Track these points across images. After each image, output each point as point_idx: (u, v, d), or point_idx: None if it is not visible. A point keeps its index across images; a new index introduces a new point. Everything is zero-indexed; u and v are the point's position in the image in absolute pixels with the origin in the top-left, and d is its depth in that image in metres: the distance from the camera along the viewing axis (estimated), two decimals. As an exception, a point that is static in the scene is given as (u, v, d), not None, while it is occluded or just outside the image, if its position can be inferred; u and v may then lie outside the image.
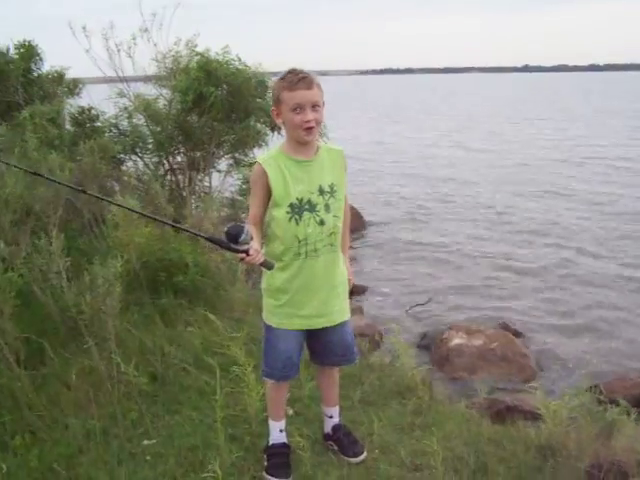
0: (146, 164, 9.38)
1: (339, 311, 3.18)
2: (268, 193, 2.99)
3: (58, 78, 9.70)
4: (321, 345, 3.27)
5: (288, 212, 2.98)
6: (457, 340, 6.52)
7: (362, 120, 39.63)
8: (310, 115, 2.87)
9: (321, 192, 3.02)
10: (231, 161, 9.28)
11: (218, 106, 7.87)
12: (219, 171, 9.34)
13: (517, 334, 7.01)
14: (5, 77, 8.40)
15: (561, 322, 7.79)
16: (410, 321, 7.73)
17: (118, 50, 8.58)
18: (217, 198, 9.34)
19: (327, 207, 3.01)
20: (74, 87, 9.92)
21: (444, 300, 8.55)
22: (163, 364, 4.67)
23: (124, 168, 9.41)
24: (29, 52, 9.11)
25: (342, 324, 3.20)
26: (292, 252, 3.02)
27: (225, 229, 2.71)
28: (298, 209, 2.99)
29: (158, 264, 5.98)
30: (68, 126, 7.71)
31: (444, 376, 6.27)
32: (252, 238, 2.72)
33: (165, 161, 9.37)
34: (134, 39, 8.49)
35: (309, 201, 2.99)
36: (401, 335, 7.24)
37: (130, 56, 9.06)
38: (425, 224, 13.13)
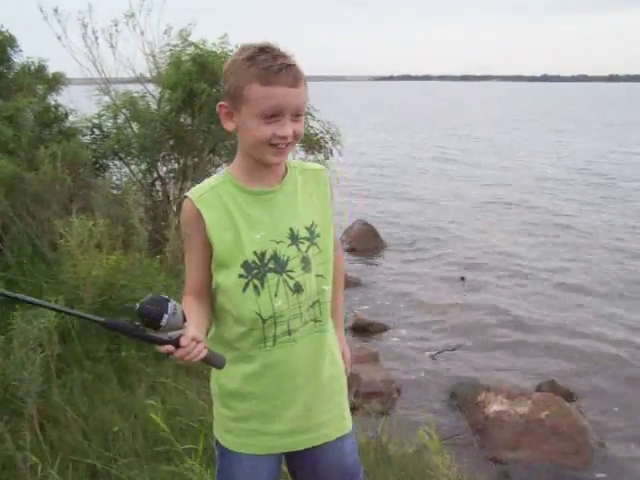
0: (132, 172, 8.20)
1: (332, 421, 2.14)
2: (209, 246, 1.99)
3: (36, 71, 8.47)
4: (307, 471, 2.22)
5: (241, 276, 1.97)
6: (496, 406, 5.20)
7: (380, 126, 38.23)
8: (289, 128, 1.90)
9: (294, 239, 2.02)
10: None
11: (212, 105, 6.61)
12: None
13: (569, 397, 5.67)
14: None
15: (623, 382, 6.34)
16: (436, 372, 6.37)
17: (96, 38, 7.41)
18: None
19: (305, 262, 2.03)
20: (55, 82, 8.70)
21: (477, 348, 7.10)
22: (102, 459, 3.42)
23: (107, 175, 8.24)
24: (-2, 39, 7.87)
25: (340, 440, 2.15)
26: (253, 338, 2.02)
27: (137, 306, 1.69)
28: (257, 270, 1.98)
29: (120, 306, 4.73)
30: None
31: (482, 454, 4.95)
32: (185, 320, 1.76)
33: (153, 168, 8.20)
34: (116, 25, 7.32)
35: (274, 255, 1.99)
36: (425, 389, 6.06)
37: (112, 46, 7.89)
38: (453, 248, 11.45)
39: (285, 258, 1.98)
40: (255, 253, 1.95)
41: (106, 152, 7.88)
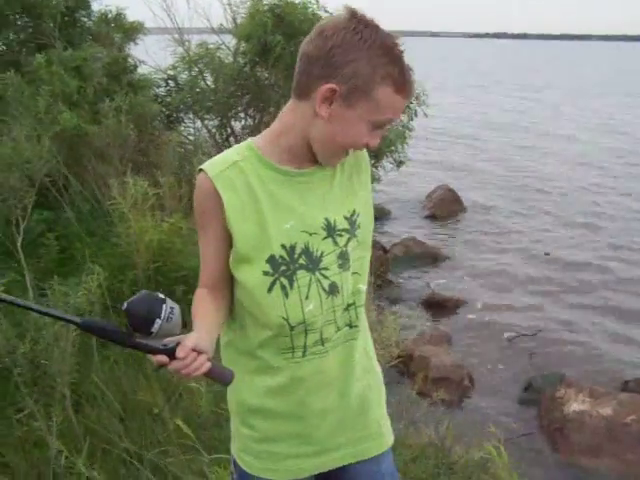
0: (206, 127, 7.93)
1: (369, 438, 1.85)
2: (228, 234, 1.65)
3: (114, 19, 8.24)
4: None
5: (267, 273, 1.64)
6: (577, 405, 4.72)
7: (470, 87, 36.88)
8: (379, 139, 1.66)
9: (330, 231, 1.69)
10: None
11: (287, 60, 6.24)
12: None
13: (660, 399, 5.12)
14: (37, 13, 6.92)
15: None
16: (511, 358, 5.87)
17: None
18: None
19: (343, 259, 1.70)
20: (133, 31, 8.47)
21: (560, 334, 6.45)
22: (137, 444, 3.17)
23: (180, 130, 8.00)
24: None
25: (377, 458, 1.86)
26: (278, 346, 1.71)
27: (124, 305, 1.42)
28: (286, 267, 1.65)
29: (175, 273, 4.47)
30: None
31: (556, 458, 4.50)
32: (180, 326, 1.45)
33: (227, 124, 7.92)
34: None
35: (306, 250, 1.67)
36: (499, 378, 5.61)
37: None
38: (540, 220, 10.55)
39: (319, 253, 1.66)
40: (284, 246, 1.64)
41: (179, 105, 7.63)
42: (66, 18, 7.04)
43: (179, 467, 3.15)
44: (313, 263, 1.65)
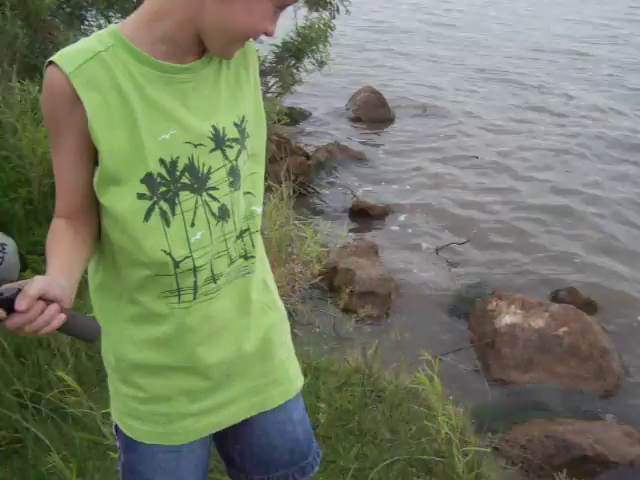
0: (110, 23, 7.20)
1: (277, 382, 1.63)
2: (91, 146, 1.27)
3: None
4: (245, 451, 1.69)
5: (142, 196, 1.30)
6: (508, 318, 4.51)
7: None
8: (274, 25, 1.32)
9: (219, 141, 1.36)
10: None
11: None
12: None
13: (591, 308, 4.97)
14: None
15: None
16: (439, 269, 5.60)
17: None
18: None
19: (234, 175, 1.40)
20: None
21: (491, 241, 6.17)
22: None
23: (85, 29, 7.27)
24: None
25: (284, 406, 1.66)
26: (161, 288, 1.38)
27: None
28: (166, 188, 1.31)
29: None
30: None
31: (487, 375, 4.31)
32: (26, 265, 1.08)
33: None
34: None
35: (191, 165, 1.33)
36: (428, 290, 5.35)
37: None
38: (468, 124, 9.95)
39: (206, 169, 1.34)
40: (162, 162, 1.29)
41: (80, 1, 6.92)
42: None
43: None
44: (199, 182, 1.33)
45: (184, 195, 1.30)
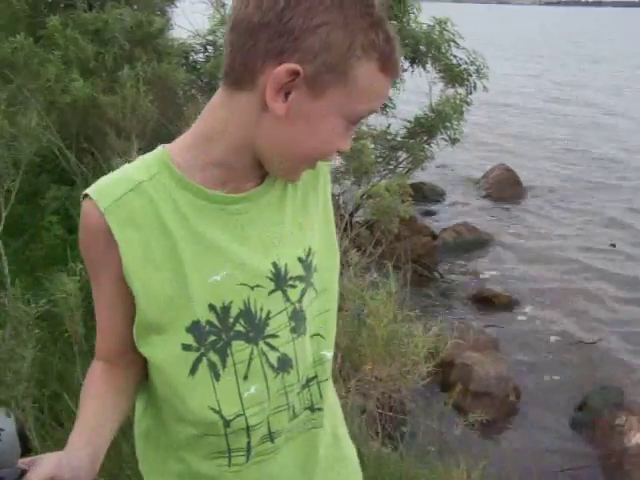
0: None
1: None
2: (129, 290, 1.13)
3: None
4: None
5: (187, 347, 1.14)
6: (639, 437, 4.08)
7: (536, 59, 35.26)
8: (348, 142, 1.14)
9: (279, 281, 1.19)
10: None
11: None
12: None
13: None
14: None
15: None
16: (564, 370, 5.19)
17: None
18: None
19: (297, 319, 1.20)
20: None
21: (625, 343, 5.65)
22: None
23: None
24: None
25: None
26: (209, 449, 1.20)
27: None
28: (216, 338, 1.15)
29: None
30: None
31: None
32: (28, 446, 0.94)
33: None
34: None
35: (246, 311, 1.16)
36: (550, 394, 4.96)
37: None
38: (622, 204, 9.46)
39: (264, 314, 1.16)
40: (212, 307, 1.13)
41: (215, 72, 7.13)
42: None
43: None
44: (256, 329, 1.16)
45: (237, 345, 1.15)
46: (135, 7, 6.39)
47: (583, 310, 6.24)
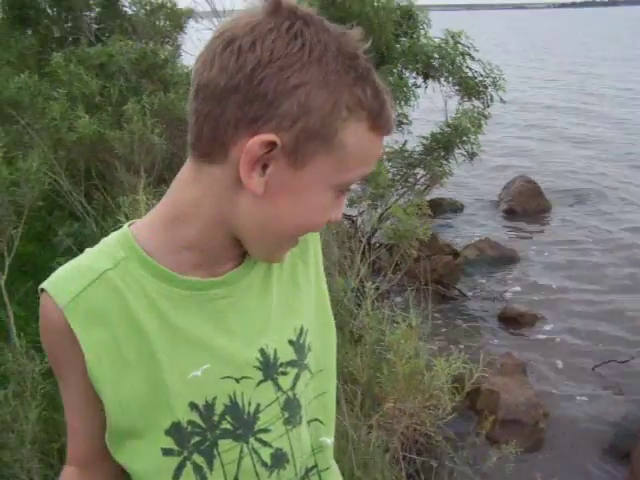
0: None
1: None
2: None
3: (159, 7, 7.69)
4: None
5: (168, 452, 1.00)
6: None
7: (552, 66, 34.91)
8: (339, 211, 1.02)
9: (268, 369, 1.06)
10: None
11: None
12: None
13: None
14: (70, 1, 6.39)
15: None
16: (596, 392, 4.98)
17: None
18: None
19: (290, 409, 1.08)
20: (182, 18, 7.95)
21: None
22: None
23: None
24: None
25: None
26: None
27: None
28: (200, 438, 1.01)
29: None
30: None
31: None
32: None
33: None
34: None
35: (232, 406, 1.02)
36: (581, 420, 4.76)
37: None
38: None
39: (252, 408, 1.04)
40: (194, 406, 1.01)
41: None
42: (95, 7, 6.51)
43: None
44: (244, 425, 1.04)
45: (225, 445, 1.02)
46: (142, 39, 6.36)
47: (614, 328, 6.01)
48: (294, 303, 1.11)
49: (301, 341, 1.10)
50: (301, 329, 1.10)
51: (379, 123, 0.93)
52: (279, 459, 1.06)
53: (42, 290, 0.99)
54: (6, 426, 2.48)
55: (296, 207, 0.95)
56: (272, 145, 0.88)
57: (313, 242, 1.16)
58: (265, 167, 0.90)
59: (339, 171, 0.93)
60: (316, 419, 1.15)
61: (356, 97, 0.90)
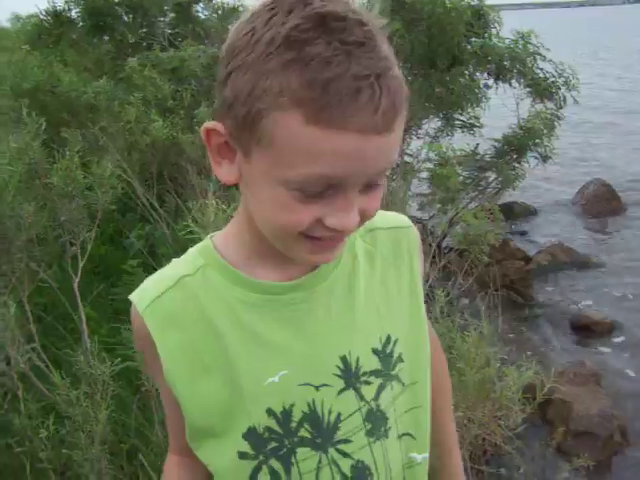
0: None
1: None
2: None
3: (231, 11, 7.77)
4: None
5: (244, 455, 0.99)
6: None
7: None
8: (355, 211, 0.85)
9: (350, 377, 1.02)
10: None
11: (406, 51, 5.52)
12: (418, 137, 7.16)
13: None
14: (145, 7, 6.52)
15: None
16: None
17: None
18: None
19: (374, 420, 1.03)
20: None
21: None
22: None
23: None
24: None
25: None
26: None
27: None
28: (277, 444, 1.00)
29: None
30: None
31: None
32: None
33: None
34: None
35: (311, 413, 0.99)
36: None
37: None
38: None
39: (333, 417, 1.02)
40: (271, 412, 1.00)
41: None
42: (171, 14, 6.62)
43: None
44: (324, 434, 1.01)
45: (303, 453, 1.01)
46: (214, 43, 6.44)
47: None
48: (383, 311, 1.08)
49: (387, 350, 1.07)
50: (388, 338, 1.07)
51: (320, 116, 0.78)
52: (361, 472, 1.03)
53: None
54: (77, 426, 2.53)
55: (258, 201, 0.91)
56: (215, 132, 0.89)
57: (409, 250, 1.12)
58: (234, 157, 0.90)
59: (277, 166, 0.84)
60: (407, 434, 1.11)
61: (278, 84, 0.79)
